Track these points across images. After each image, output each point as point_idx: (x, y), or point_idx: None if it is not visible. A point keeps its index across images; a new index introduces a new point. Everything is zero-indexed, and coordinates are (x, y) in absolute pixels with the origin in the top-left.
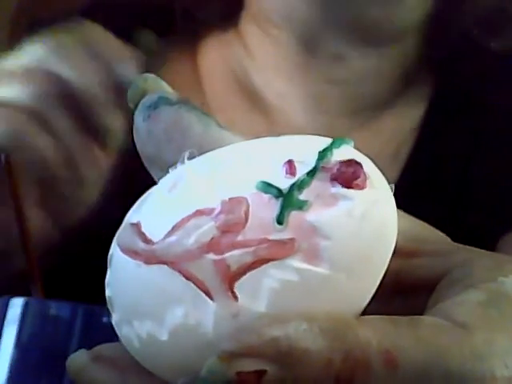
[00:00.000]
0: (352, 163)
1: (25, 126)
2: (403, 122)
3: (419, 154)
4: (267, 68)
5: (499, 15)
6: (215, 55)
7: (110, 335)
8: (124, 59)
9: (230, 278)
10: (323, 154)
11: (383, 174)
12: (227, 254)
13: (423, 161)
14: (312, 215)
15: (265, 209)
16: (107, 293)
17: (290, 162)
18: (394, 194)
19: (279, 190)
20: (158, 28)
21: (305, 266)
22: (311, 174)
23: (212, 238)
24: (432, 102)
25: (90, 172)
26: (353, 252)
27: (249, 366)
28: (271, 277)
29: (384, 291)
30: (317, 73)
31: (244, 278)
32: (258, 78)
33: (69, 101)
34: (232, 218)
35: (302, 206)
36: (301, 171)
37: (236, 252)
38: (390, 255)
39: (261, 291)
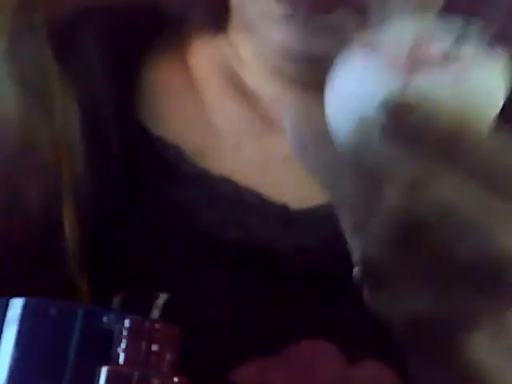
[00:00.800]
0: None
1: None
2: None
3: None
4: (258, 73)
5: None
6: (207, 58)
7: (110, 335)
8: None
9: None
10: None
11: None
12: None
13: None
14: None
15: None
16: None
17: None
18: None
19: None
20: (145, 29)
21: None
22: None
23: None
24: None
25: None
26: None
27: None
28: None
29: None
30: (311, 81)
31: None
32: (250, 82)
33: None
34: None
35: None
36: None
37: None
38: None
39: None
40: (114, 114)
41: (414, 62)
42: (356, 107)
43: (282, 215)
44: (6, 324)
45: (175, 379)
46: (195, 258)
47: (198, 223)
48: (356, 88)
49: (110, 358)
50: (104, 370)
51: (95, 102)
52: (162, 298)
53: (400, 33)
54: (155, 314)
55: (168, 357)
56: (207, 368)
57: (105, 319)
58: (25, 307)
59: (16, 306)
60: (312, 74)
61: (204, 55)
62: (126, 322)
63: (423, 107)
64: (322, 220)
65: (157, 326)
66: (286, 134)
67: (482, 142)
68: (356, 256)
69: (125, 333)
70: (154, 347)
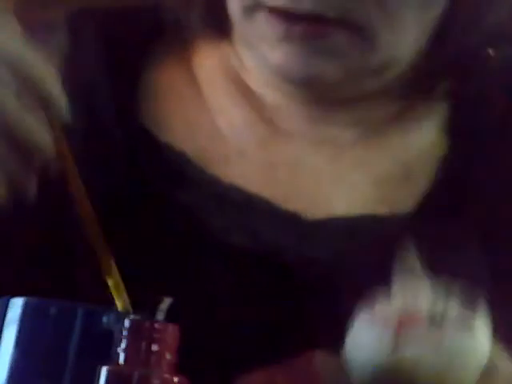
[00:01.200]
0: None
1: None
2: (411, 141)
3: (441, 183)
4: (262, 81)
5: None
6: (212, 62)
7: (110, 335)
8: None
9: None
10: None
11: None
12: None
13: (444, 191)
14: None
15: None
16: None
17: None
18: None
19: None
20: (146, 32)
21: None
22: None
23: None
24: (451, 130)
25: None
26: None
27: None
28: None
29: None
30: (310, 97)
31: None
32: (255, 87)
33: None
34: None
35: None
36: None
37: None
38: None
39: None
40: (116, 117)
41: (402, 324)
42: (362, 358)
43: (294, 224)
44: (6, 324)
45: (175, 379)
46: (201, 264)
47: (205, 229)
48: (361, 343)
49: (109, 358)
50: (104, 370)
51: (96, 106)
52: (167, 301)
53: (394, 297)
54: (160, 318)
55: (168, 357)
56: (210, 373)
57: (105, 319)
58: (25, 307)
59: (16, 305)
60: (310, 92)
61: (208, 59)
62: (126, 322)
63: (409, 372)
64: (335, 232)
65: (157, 326)
66: (293, 140)
67: None
68: None
69: (125, 333)
70: (154, 347)
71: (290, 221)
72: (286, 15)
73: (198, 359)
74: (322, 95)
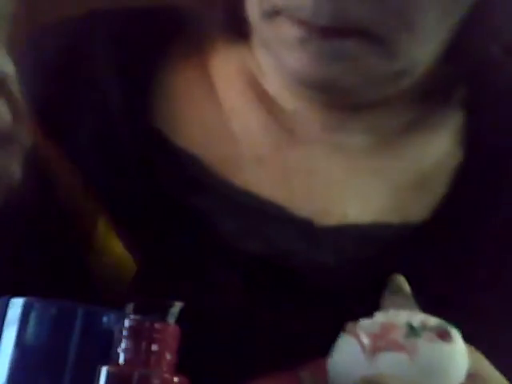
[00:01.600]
0: None
1: None
2: (427, 150)
3: (455, 195)
4: (279, 86)
5: None
6: (229, 66)
7: (110, 335)
8: None
9: None
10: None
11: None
12: None
13: (458, 203)
14: None
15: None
16: None
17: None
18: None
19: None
20: (160, 33)
21: None
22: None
23: None
24: (467, 139)
25: None
26: None
27: None
28: None
29: None
30: (333, 97)
31: None
32: (272, 92)
33: None
34: None
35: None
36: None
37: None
38: None
39: None
40: (130, 119)
41: (379, 336)
42: (343, 373)
43: (306, 230)
44: (6, 324)
45: (175, 379)
46: (212, 268)
47: (217, 234)
48: (341, 361)
49: (109, 358)
50: (104, 370)
51: (109, 108)
52: (177, 306)
53: (378, 314)
54: (170, 322)
55: (168, 357)
56: (219, 378)
57: (105, 319)
58: (25, 307)
59: (16, 305)
60: (326, 98)
61: (225, 62)
62: (126, 322)
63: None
64: (347, 239)
65: (157, 326)
66: (307, 146)
67: None
68: None
69: (125, 333)
70: (154, 347)
71: (303, 227)
72: (304, 22)
73: (206, 364)
74: (337, 101)
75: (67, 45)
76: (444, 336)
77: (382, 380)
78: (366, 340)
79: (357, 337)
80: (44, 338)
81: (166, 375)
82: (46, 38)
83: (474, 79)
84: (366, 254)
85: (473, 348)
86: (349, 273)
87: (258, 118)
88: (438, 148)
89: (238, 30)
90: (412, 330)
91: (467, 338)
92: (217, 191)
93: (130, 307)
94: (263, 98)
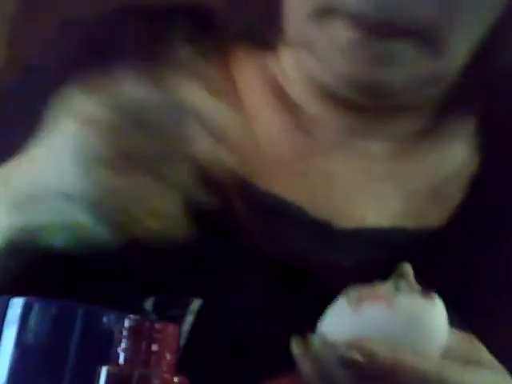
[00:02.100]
0: None
1: None
2: (444, 157)
3: (471, 201)
4: (304, 92)
5: None
6: (250, 69)
7: (110, 335)
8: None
9: None
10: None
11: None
12: None
13: (474, 209)
14: None
15: None
16: None
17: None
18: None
19: None
20: (183, 30)
21: None
22: None
23: None
24: (483, 148)
25: None
26: None
27: None
28: None
29: None
30: (367, 105)
31: None
32: (295, 96)
33: None
34: None
35: None
36: None
37: None
38: None
39: None
40: None
41: (362, 297)
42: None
43: (324, 232)
44: (6, 324)
45: (175, 379)
46: (232, 268)
47: (237, 233)
48: (329, 317)
49: (109, 358)
50: (104, 370)
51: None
52: (196, 303)
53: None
54: (189, 319)
55: (168, 357)
56: (236, 377)
57: (105, 319)
58: (25, 307)
59: (16, 305)
60: (370, 100)
61: (246, 65)
62: (126, 322)
63: (365, 347)
64: (363, 243)
65: (157, 326)
66: (327, 150)
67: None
68: None
69: (125, 333)
70: (154, 347)
71: (322, 229)
72: (360, 22)
73: (222, 364)
74: (370, 104)
75: (93, 38)
76: (426, 295)
77: (366, 344)
78: (352, 293)
79: (345, 293)
80: (44, 337)
81: (166, 375)
82: (71, 30)
83: (490, 89)
84: (382, 258)
85: (473, 337)
86: (364, 275)
87: (280, 121)
88: (454, 155)
89: (268, 34)
90: (396, 286)
91: (479, 339)
92: (236, 189)
93: (149, 302)
94: (285, 102)
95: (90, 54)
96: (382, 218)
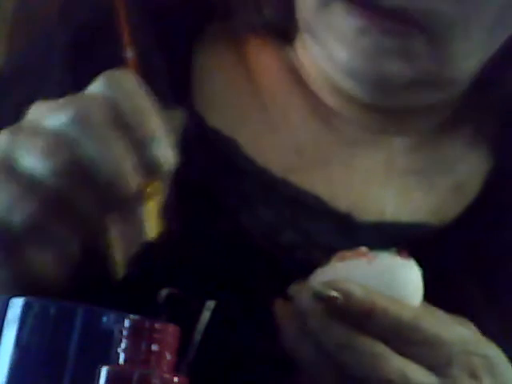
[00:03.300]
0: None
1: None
2: (462, 154)
3: (487, 199)
4: (322, 83)
5: None
6: (268, 57)
7: (110, 335)
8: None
9: None
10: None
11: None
12: None
13: (491, 206)
14: None
15: None
16: None
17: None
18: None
19: None
20: (196, 15)
21: None
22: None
23: None
24: (499, 145)
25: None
26: None
27: None
28: None
29: None
30: (376, 102)
31: None
32: (313, 88)
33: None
34: None
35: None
36: None
37: None
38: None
39: None
40: (172, 100)
41: (346, 255)
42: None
43: (344, 224)
44: (6, 324)
45: (175, 379)
46: (245, 257)
47: (252, 222)
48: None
49: (109, 358)
50: (104, 370)
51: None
52: (210, 305)
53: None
54: (204, 320)
55: (168, 357)
56: (256, 375)
57: (105, 319)
58: (25, 307)
59: (16, 305)
60: (378, 95)
61: (264, 52)
62: (126, 322)
63: (342, 286)
64: (382, 236)
65: (157, 326)
66: (347, 142)
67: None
68: None
69: (125, 333)
70: (154, 347)
71: (341, 221)
72: (367, 8)
73: (239, 360)
74: (381, 100)
75: (102, 18)
76: (402, 255)
77: (343, 284)
78: (340, 253)
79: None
80: (44, 338)
81: (166, 375)
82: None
83: (506, 91)
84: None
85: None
86: None
87: (298, 109)
88: (471, 151)
89: (284, 24)
90: (377, 250)
91: (493, 339)
92: (253, 177)
93: (162, 295)
94: (303, 91)
95: None
96: (401, 212)
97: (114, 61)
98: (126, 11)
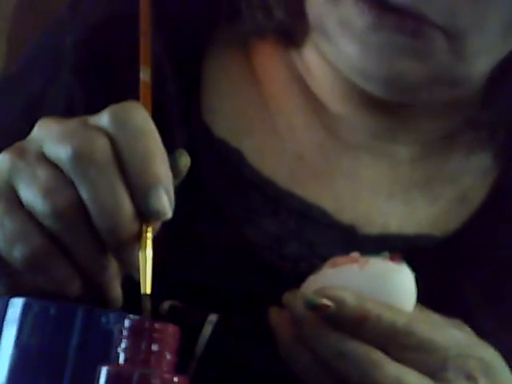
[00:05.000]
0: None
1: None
2: (467, 164)
3: (492, 209)
4: (328, 89)
5: None
6: (274, 64)
7: (110, 335)
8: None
9: None
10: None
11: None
12: None
13: (495, 217)
14: None
15: None
16: None
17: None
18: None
19: None
20: (204, 23)
21: None
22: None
23: None
24: (505, 155)
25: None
26: None
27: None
28: None
29: None
30: (378, 104)
31: None
32: (319, 92)
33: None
34: None
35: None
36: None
37: None
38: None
39: None
40: (180, 111)
41: (338, 261)
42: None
43: (348, 237)
44: (5, 324)
45: (175, 379)
46: (248, 270)
47: (256, 234)
48: (309, 279)
49: (109, 358)
50: (104, 370)
51: (160, 99)
52: (213, 318)
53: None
54: (206, 333)
55: (168, 357)
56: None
57: (105, 319)
58: (25, 307)
59: (16, 305)
60: (390, 95)
61: (270, 59)
62: (126, 322)
63: (333, 293)
64: (387, 249)
65: (157, 326)
66: (352, 151)
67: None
68: None
69: (125, 333)
70: (154, 347)
71: (345, 233)
72: (378, 2)
73: (241, 373)
74: (393, 97)
75: (113, 21)
76: (394, 259)
77: (334, 291)
78: (332, 259)
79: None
80: (44, 337)
81: (166, 375)
82: (91, 12)
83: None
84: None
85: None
86: None
87: (303, 118)
88: (476, 162)
89: (292, 28)
90: (369, 254)
91: (498, 347)
92: (258, 188)
93: (165, 307)
94: (309, 99)
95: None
96: (406, 224)
97: (125, 65)
98: (149, 28)
